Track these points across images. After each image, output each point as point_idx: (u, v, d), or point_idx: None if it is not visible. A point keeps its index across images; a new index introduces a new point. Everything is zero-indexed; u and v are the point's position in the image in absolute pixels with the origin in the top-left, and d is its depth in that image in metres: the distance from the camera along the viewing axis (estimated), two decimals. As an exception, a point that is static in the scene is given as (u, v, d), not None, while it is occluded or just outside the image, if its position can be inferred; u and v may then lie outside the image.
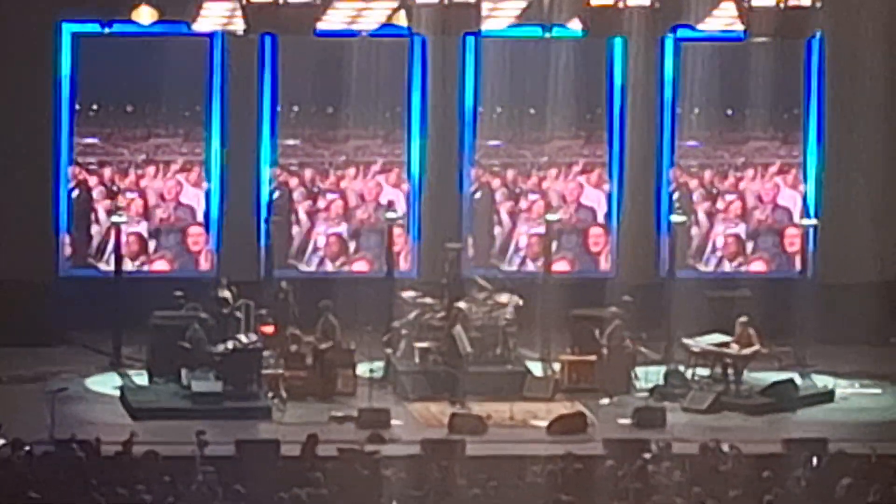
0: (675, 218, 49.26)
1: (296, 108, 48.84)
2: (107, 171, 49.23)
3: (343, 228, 49.48)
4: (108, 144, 49.13)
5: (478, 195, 49.89)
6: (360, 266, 48.82)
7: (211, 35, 46.26)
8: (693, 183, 50.33)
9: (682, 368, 45.02)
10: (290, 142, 49.18)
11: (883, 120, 49.34)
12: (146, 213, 49.55)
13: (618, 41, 47.14)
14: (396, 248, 48.20)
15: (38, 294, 47.43)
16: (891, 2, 47.16)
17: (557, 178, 49.97)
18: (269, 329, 44.45)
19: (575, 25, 44.58)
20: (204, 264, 48.76)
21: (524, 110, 48.99)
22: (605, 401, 44.17)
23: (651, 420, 42.46)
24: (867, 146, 49.71)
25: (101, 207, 49.02)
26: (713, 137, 50.03)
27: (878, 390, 45.67)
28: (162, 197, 49.60)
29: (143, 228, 49.39)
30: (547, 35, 45.55)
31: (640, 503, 36.49)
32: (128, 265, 48.31)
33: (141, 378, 44.05)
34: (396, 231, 48.58)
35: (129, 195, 49.60)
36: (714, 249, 50.15)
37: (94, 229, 48.99)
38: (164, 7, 44.06)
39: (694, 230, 50.10)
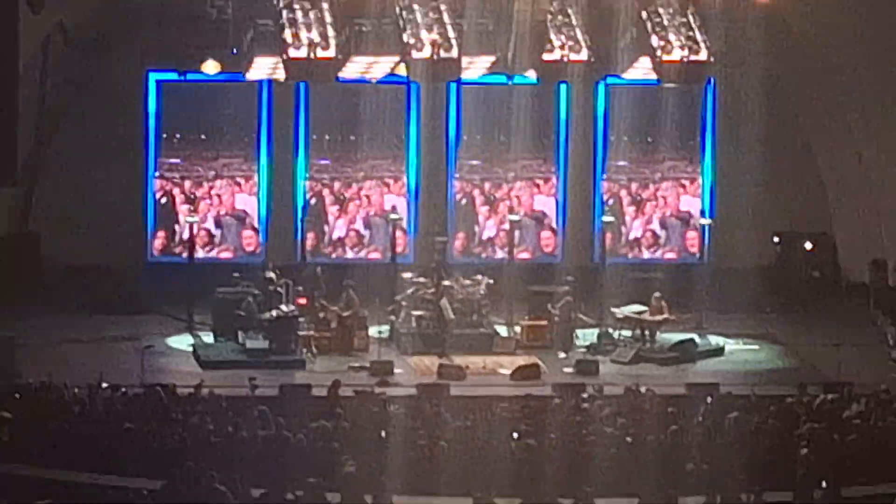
0: (606, 218, 49.88)
1: (326, 137, 49.49)
2: (186, 183, 49.87)
3: (360, 226, 49.94)
4: (186, 163, 49.81)
5: (461, 201, 50.12)
6: (373, 254, 49.37)
7: (260, 82, 46.57)
8: (622, 192, 50.77)
9: (610, 331, 45.67)
10: (322, 161, 49.83)
11: (758, 145, 49.74)
12: (214, 214, 49.81)
13: (563, 87, 47.48)
14: (398, 240, 48.51)
15: (133, 276, 47.96)
16: (763, 58, 47.25)
17: (520, 188, 50.25)
18: (303, 301, 45.11)
19: (531, 75, 44.79)
20: (255, 253, 48.99)
21: (495, 138, 49.49)
22: (562, 355, 44.76)
23: (588, 369, 43.29)
24: (747, 165, 50.10)
25: (181, 210, 49.24)
26: (636, 158, 50.54)
27: (756, 347, 46.39)
28: (225, 202, 49.88)
29: (211, 225, 49.77)
30: (510, 82, 45.69)
31: (579, 431, 37.03)
32: (199, 253, 48.68)
33: (208, 338, 44.79)
34: (398, 228, 48.89)
35: (203, 201, 49.85)
36: (636, 241, 50.43)
37: (176, 227, 49.19)
38: (225, 61, 44.26)
39: (622, 227, 50.31)
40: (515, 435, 36.42)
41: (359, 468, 33.97)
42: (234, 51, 44.37)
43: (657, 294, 46.18)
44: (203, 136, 49.84)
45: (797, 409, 39.03)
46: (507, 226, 49.78)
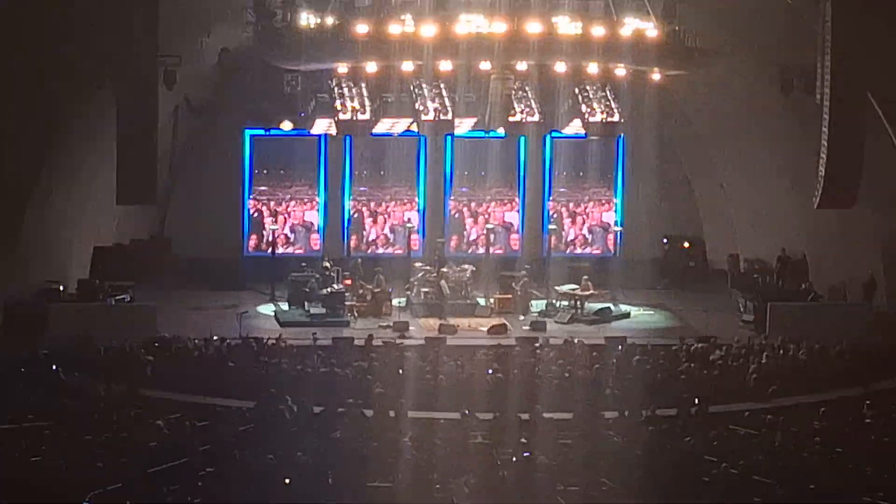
0: (551, 226, 49.66)
1: (364, 172, 49.54)
2: (270, 203, 49.72)
3: (387, 231, 49.88)
4: (270, 189, 49.78)
5: (455, 215, 50.12)
6: (395, 251, 49.41)
7: (320, 135, 46.59)
8: (562, 209, 50.75)
9: (554, 302, 45.46)
10: (361, 188, 49.72)
11: (652, 178, 49.86)
12: (289, 224, 49.71)
13: (522, 139, 47.65)
14: (412, 241, 48.59)
15: (234, 265, 47.85)
16: (656, 119, 47.16)
17: (494, 206, 50.23)
18: (348, 282, 45.36)
19: (501, 131, 44.64)
20: (316, 250, 48.99)
21: (477, 173, 49.47)
22: (521, 318, 44.57)
23: (539, 327, 43.35)
24: (644, 191, 50.21)
25: (266, 221, 49.15)
26: (571, 186, 50.69)
27: (652, 312, 46.48)
28: (297, 216, 49.80)
29: (287, 231, 49.67)
30: (487, 136, 45.70)
31: (532, 369, 37.22)
32: (279, 250, 48.71)
33: (284, 306, 44.77)
34: (412, 233, 48.86)
35: (281, 215, 49.72)
36: (572, 242, 50.42)
37: (263, 232, 49.12)
38: (296, 121, 44.22)
39: (562, 232, 50.19)
40: (490, 371, 36.76)
41: (385, 393, 34.21)
42: (302, 114, 44.24)
43: (585, 277, 45.94)
44: (282, 171, 49.70)
45: (679, 354, 39.14)
46: (485, 231, 49.69)
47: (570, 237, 51.05)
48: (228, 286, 46.79)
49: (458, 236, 50.19)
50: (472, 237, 50.39)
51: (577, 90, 43.58)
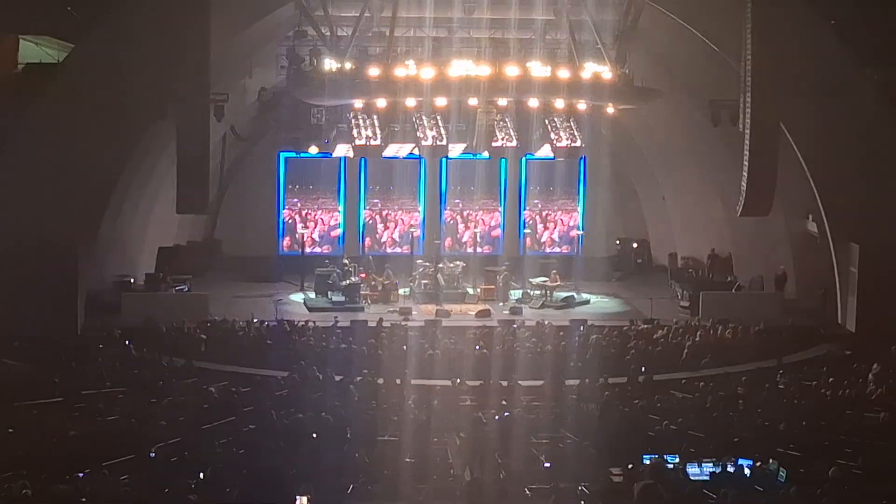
0: (526, 230, 49.69)
1: (377, 187, 49.29)
2: (301, 212, 49.49)
3: (396, 234, 49.66)
4: (301, 201, 49.63)
5: (449, 221, 50.00)
6: (401, 250, 48.86)
7: (340, 157, 46.52)
8: (536, 217, 50.56)
9: (528, 291, 45.20)
10: (374, 200, 49.59)
11: (607, 191, 49.78)
12: (316, 228, 49.55)
13: (503, 160, 47.39)
14: (414, 243, 48.45)
15: (271, 262, 47.61)
16: (611, 144, 47.17)
17: (481, 215, 50.18)
18: (363, 275, 45.02)
19: (486, 154, 44.60)
20: (337, 250, 48.79)
21: (466, 187, 49.23)
22: (502, 304, 44.26)
23: (516, 312, 43.11)
24: (601, 202, 49.98)
25: (298, 226, 49.01)
26: (543, 198, 50.44)
27: (607, 300, 46.29)
28: (322, 222, 49.67)
29: (315, 235, 49.47)
30: (474, 158, 45.88)
31: (511, 345, 37.17)
32: (307, 250, 48.43)
33: (311, 295, 44.50)
34: (414, 236, 48.71)
35: (309, 222, 49.54)
36: (544, 243, 50.32)
37: (295, 235, 49.00)
38: (321, 146, 44.13)
39: (536, 235, 50.04)
40: (477, 347, 36.79)
41: (393, 364, 34.26)
42: (326, 140, 44.12)
43: (554, 271, 45.80)
44: (310, 186, 49.46)
45: (629, 333, 39.07)
46: (474, 235, 49.72)
47: (542, 239, 50.75)
48: (266, 279, 46.65)
49: (451, 238, 49.88)
50: (464, 239, 50.13)
51: (546, 121, 43.46)
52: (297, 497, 15.14)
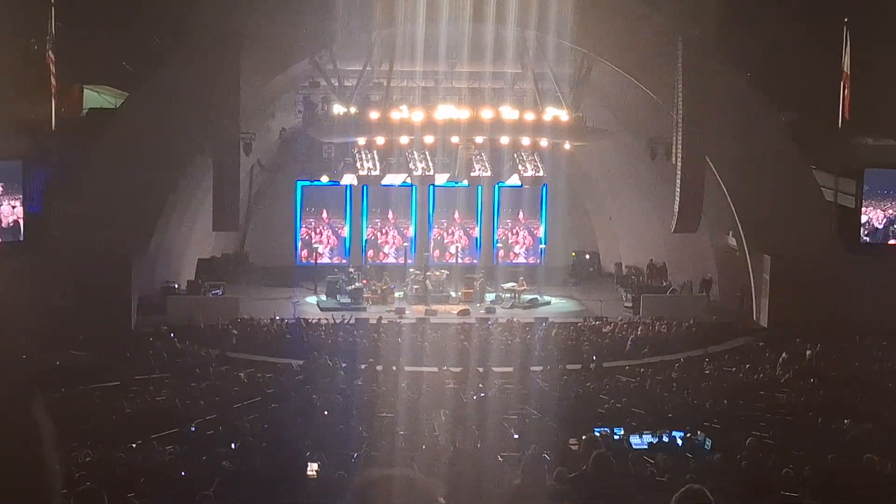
0: (499, 245, 49.44)
1: (377, 209, 48.88)
2: (315, 229, 49.32)
3: (392, 248, 49.47)
4: (315, 220, 49.24)
5: (437, 237, 49.84)
6: (397, 261, 48.62)
7: (346, 185, 46.24)
8: (508, 233, 50.46)
9: (500, 294, 44.87)
10: (375, 220, 49.24)
11: (564, 212, 49.54)
12: (328, 244, 49.41)
13: (479, 187, 47.25)
14: (407, 254, 48.22)
15: (290, 271, 47.19)
16: (566, 174, 47.03)
17: (461, 232, 49.98)
18: (365, 281, 44.73)
19: (465, 182, 44.55)
20: (344, 261, 48.57)
21: (451, 209, 49.11)
22: (479, 305, 43.94)
23: (490, 311, 42.93)
24: (559, 221, 49.77)
25: (312, 241, 48.91)
26: (512, 219, 50.16)
27: (565, 301, 45.98)
28: (331, 238, 49.54)
29: (326, 250, 49.30)
30: (456, 185, 45.70)
31: (487, 338, 37.12)
32: (320, 261, 48.25)
33: (323, 297, 44.11)
34: (407, 249, 48.54)
35: (322, 238, 49.39)
36: (513, 254, 50.13)
37: (310, 249, 48.88)
38: (331, 175, 44.03)
39: (507, 248, 49.91)
40: (459, 340, 36.73)
41: (390, 354, 34.17)
42: (335, 171, 44.02)
43: (521, 278, 45.56)
44: (322, 208, 49.28)
45: (583, 328, 39.20)
46: (454, 248, 49.64)
47: (512, 252, 50.55)
48: (285, 284, 46.32)
49: (438, 251, 49.64)
50: (448, 251, 49.80)
51: (515, 155, 43.40)
52: (310, 463, 15.04)
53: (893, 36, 44.42)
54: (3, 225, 37.99)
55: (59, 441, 1.15)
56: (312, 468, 14.90)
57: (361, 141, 42.37)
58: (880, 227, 41.75)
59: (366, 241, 49.71)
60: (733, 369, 33.78)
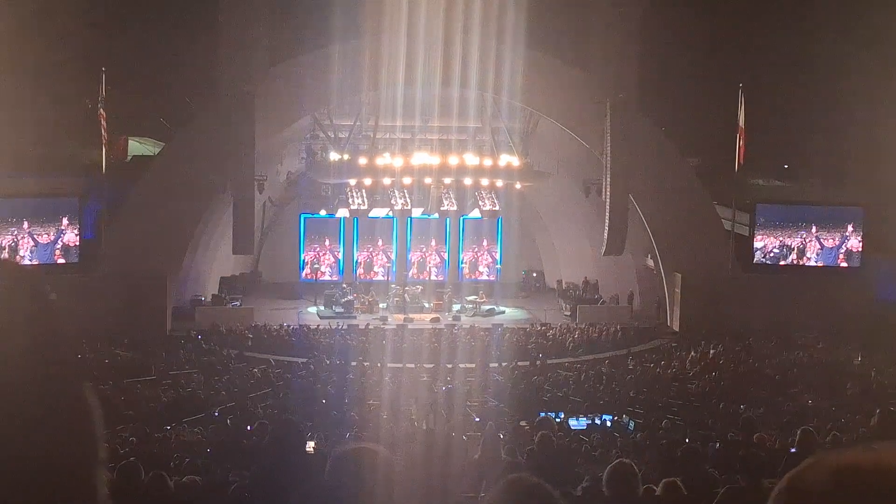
0: (464, 265, 49.26)
1: (367, 236, 48.42)
2: (316, 253, 48.95)
3: (380, 267, 49.17)
4: (316, 246, 48.95)
5: (413, 259, 49.59)
6: (382, 278, 48.23)
7: (341, 217, 45.95)
8: (470, 255, 50.21)
9: (464, 305, 44.38)
10: (366, 245, 48.80)
11: (516, 239, 49.45)
12: (325, 264, 49.14)
13: (448, 219, 46.89)
14: (390, 273, 47.98)
15: (294, 286, 47.40)
16: (518, 208, 47.07)
17: (433, 255, 49.76)
18: (355, 295, 44.19)
19: (436, 215, 44.43)
20: (338, 278, 48.28)
21: (424, 237, 48.85)
22: (447, 314, 43.24)
23: (456, 318, 42.38)
24: (512, 245, 49.60)
25: (314, 262, 48.65)
26: (476, 244, 49.97)
27: (517, 310, 45.52)
28: (329, 260, 49.30)
29: (326, 269, 49.12)
30: (429, 217, 45.48)
31: (453, 341, 36.91)
32: (320, 278, 48.06)
33: (322, 308, 43.62)
34: (390, 268, 48.28)
35: (322, 259, 49.12)
36: (475, 273, 49.93)
37: (312, 267, 48.58)
38: (329, 210, 43.88)
39: (474, 266, 49.79)
40: (431, 342, 36.60)
41: (375, 353, 34.07)
42: (332, 206, 43.94)
43: (481, 291, 45.43)
44: (325, 237, 49.00)
45: (531, 332, 38.90)
46: (429, 268, 49.49)
47: (475, 270, 50.51)
48: (291, 297, 45.99)
49: (417, 271, 49.33)
50: (423, 270, 49.63)
51: (476, 193, 43.42)
52: (309, 441, 14.98)
53: (777, 100, 45.15)
54: (66, 249, 38.12)
55: (105, 421, 1.15)
56: (311, 445, 14.83)
57: (352, 181, 42.38)
58: (776, 251, 42.04)
59: (356, 262, 49.38)
60: (651, 365, 33.82)
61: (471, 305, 44.73)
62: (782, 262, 41.84)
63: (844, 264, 41.79)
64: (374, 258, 49.64)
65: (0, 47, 34.81)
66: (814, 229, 41.86)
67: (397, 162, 41.32)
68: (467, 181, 42.56)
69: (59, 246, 37.90)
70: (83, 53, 39.90)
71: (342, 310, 42.99)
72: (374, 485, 3.82)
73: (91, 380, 1.24)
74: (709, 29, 46.23)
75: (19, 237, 37.19)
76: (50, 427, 0.97)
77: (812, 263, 41.88)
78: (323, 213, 45.47)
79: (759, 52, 46.99)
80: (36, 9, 37.41)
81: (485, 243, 50.60)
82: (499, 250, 50.79)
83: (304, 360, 33.51)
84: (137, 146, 48.97)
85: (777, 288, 40.13)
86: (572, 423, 24.41)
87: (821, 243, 41.91)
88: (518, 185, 43.60)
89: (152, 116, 47.86)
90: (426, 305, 44.73)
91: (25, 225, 37.31)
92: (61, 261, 37.60)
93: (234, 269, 47.23)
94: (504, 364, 33.38)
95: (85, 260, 38.00)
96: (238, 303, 43.21)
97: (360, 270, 49.39)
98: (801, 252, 41.93)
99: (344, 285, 45.96)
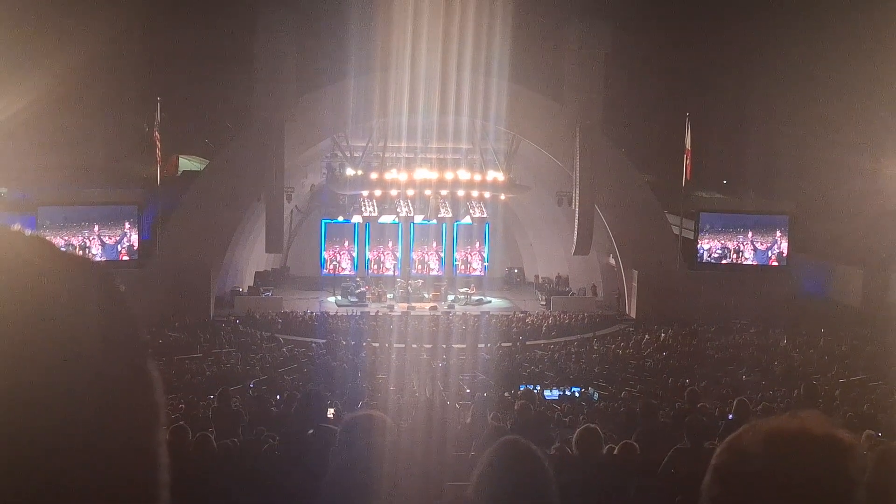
0: (458, 262, 48.90)
1: (377, 238, 47.72)
2: (335, 252, 48.53)
3: (390, 264, 48.81)
4: (337, 246, 48.37)
5: (415, 257, 49.20)
6: (390, 273, 47.98)
7: (355, 223, 45.70)
8: (463, 254, 49.72)
9: (458, 296, 44.11)
10: (377, 245, 48.16)
11: (502, 241, 49.35)
12: (342, 261, 48.88)
13: (444, 224, 46.45)
14: (396, 268, 47.72)
15: (317, 279, 47.05)
16: (503, 215, 46.91)
17: (432, 254, 49.42)
18: (367, 287, 43.95)
19: (434, 220, 44.27)
20: (353, 272, 48.01)
21: (428, 240, 48.34)
22: (443, 303, 42.86)
23: (451, 307, 42.12)
24: (498, 247, 49.44)
25: (333, 259, 48.38)
26: (468, 245, 49.46)
27: (502, 300, 45.37)
28: (345, 257, 49.00)
29: (345, 265, 48.76)
30: (429, 223, 45.25)
31: (449, 325, 36.68)
32: (339, 272, 47.80)
33: (339, 297, 43.34)
34: (395, 264, 48.00)
35: (341, 257, 48.84)
36: (467, 269, 49.67)
37: (333, 263, 48.35)
38: (345, 216, 43.76)
39: (466, 263, 49.58)
40: (430, 326, 36.49)
41: (384, 335, 33.94)
42: (348, 213, 43.82)
43: (472, 284, 45.48)
44: (344, 239, 48.31)
45: (513, 318, 38.74)
46: (429, 264, 49.28)
47: (466, 266, 50.14)
48: (314, 289, 45.80)
49: (420, 267, 48.53)
50: (425, 267, 49.18)
51: (467, 202, 43.43)
52: (329, 409, 14.96)
53: (718, 126, 45.36)
54: (129, 248, 38.21)
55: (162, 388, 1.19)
56: (331, 412, 14.80)
57: (365, 193, 42.33)
58: (719, 252, 42.11)
59: (368, 260, 49.09)
60: (613, 346, 33.81)
61: (463, 296, 44.60)
62: (724, 261, 41.86)
63: (775, 263, 41.81)
64: (384, 256, 49.57)
65: (73, 81, 35.15)
66: (749, 234, 41.91)
67: (402, 176, 41.33)
68: (460, 192, 42.53)
69: (124, 245, 37.99)
70: (142, 86, 40.14)
71: (356, 299, 42.87)
72: (381, 444, 3.82)
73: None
74: (661, 67, 46.91)
75: (90, 238, 37.31)
76: (124, 393, 1.03)
77: (749, 262, 41.91)
78: (340, 218, 45.28)
79: (703, 86, 47.49)
80: (103, 49, 37.56)
81: (475, 244, 50.29)
82: (486, 250, 50.46)
83: (324, 340, 33.44)
84: (186, 163, 49.04)
85: (717, 282, 40.16)
86: (547, 393, 24.42)
87: (755, 246, 41.97)
88: (502, 196, 43.62)
89: (199, 138, 48.02)
90: (426, 296, 44.51)
91: (96, 228, 37.56)
92: (125, 258, 37.63)
93: (267, 265, 47.18)
94: (490, 345, 33.32)
95: (142, 257, 37.99)
96: (270, 293, 43.12)
97: (374, 266, 49.32)
98: (739, 252, 41.98)
99: (357, 279, 45.75)
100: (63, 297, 1.00)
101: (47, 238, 1.11)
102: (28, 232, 1.07)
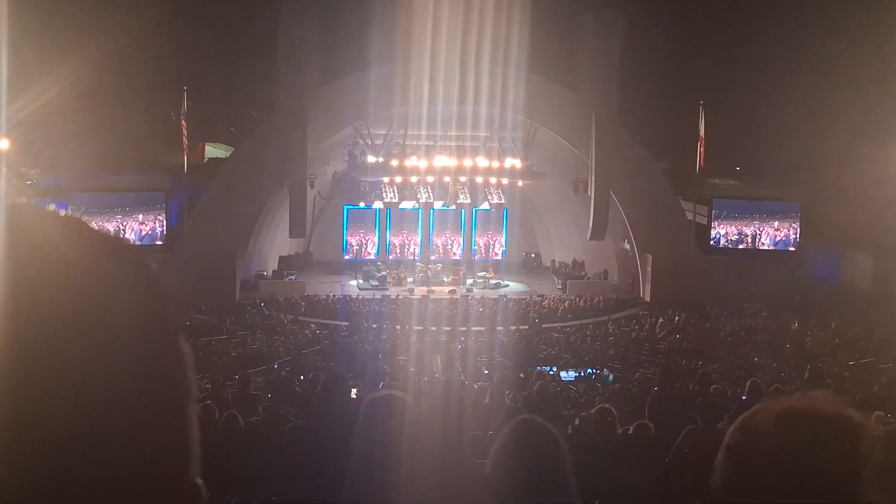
0: (476, 247, 48.98)
1: (399, 223, 48.02)
2: (358, 237, 48.74)
3: (407, 248, 48.91)
4: (358, 232, 48.65)
5: (435, 243, 49.23)
6: (410, 257, 48.08)
7: (377, 208, 45.80)
8: (481, 240, 49.86)
9: (476, 279, 44.30)
10: (398, 231, 48.40)
11: (519, 227, 49.31)
12: (364, 246, 48.99)
13: (463, 210, 46.71)
14: (416, 253, 47.77)
15: (338, 263, 47.36)
16: (519, 202, 46.72)
17: (452, 239, 49.52)
18: (388, 271, 44.17)
19: (454, 206, 44.31)
20: (375, 257, 48.12)
21: (445, 224, 48.41)
22: (462, 287, 43.11)
23: (470, 290, 42.39)
24: (516, 233, 49.43)
25: (354, 245, 48.48)
26: (485, 230, 49.63)
27: (520, 284, 45.41)
28: (368, 242, 49.13)
29: (371, 250, 48.82)
30: (448, 209, 45.31)
31: (467, 308, 36.77)
32: (360, 257, 47.91)
33: (361, 281, 43.66)
34: (415, 249, 48.08)
35: (362, 242, 48.96)
36: (486, 252, 49.69)
37: (357, 248, 48.43)
38: (367, 202, 43.77)
39: (482, 249, 49.58)
40: (449, 309, 36.50)
41: (404, 318, 34.00)
42: (369, 199, 43.87)
43: (490, 268, 45.55)
44: (361, 223, 48.72)
45: (529, 302, 38.85)
46: (448, 249, 49.27)
47: (484, 251, 50.18)
48: (336, 273, 45.84)
49: (438, 252, 48.66)
50: (442, 251, 49.10)
51: (486, 189, 43.46)
52: (352, 389, 15.02)
53: (732, 114, 45.06)
54: (157, 233, 38.39)
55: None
56: (353, 392, 14.86)
57: (386, 179, 42.38)
58: (735, 237, 41.95)
59: (389, 244, 49.24)
60: (627, 329, 33.79)
61: (481, 280, 44.66)
62: (741, 246, 41.76)
63: (792, 248, 41.71)
64: (404, 241, 49.50)
65: (103, 72, 35.22)
66: (763, 219, 41.76)
67: (422, 164, 41.34)
68: (479, 179, 42.55)
69: (153, 231, 38.25)
70: (170, 76, 40.26)
71: (377, 283, 42.98)
72: (401, 423, 3.84)
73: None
74: (675, 56, 46.68)
75: (124, 223, 37.59)
76: (159, 369, 1.05)
77: (766, 248, 41.82)
78: (362, 204, 45.28)
79: (717, 74, 47.33)
80: (131, 41, 37.68)
81: (493, 230, 50.40)
82: (504, 235, 50.54)
83: (347, 323, 33.57)
84: (212, 150, 49.14)
85: (730, 267, 40.01)
86: (563, 375, 24.40)
87: (769, 231, 41.82)
88: (520, 183, 43.54)
89: (224, 126, 48.12)
90: (445, 280, 44.68)
91: (128, 212, 37.98)
92: (157, 243, 37.88)
93: (290, 250, 47.32)
94: (508, 327, 33.35)
95: (170, 242, 38.09)
96: (293, 277, 43.25)
97: (397, 251, 49.39)
98: (755, 238, 41.87)
99: (378, 263, 45.86)
100: (100, 276, 1.01)
101: (83, 218, 1.11)
102: (63, 212, 1.08)
